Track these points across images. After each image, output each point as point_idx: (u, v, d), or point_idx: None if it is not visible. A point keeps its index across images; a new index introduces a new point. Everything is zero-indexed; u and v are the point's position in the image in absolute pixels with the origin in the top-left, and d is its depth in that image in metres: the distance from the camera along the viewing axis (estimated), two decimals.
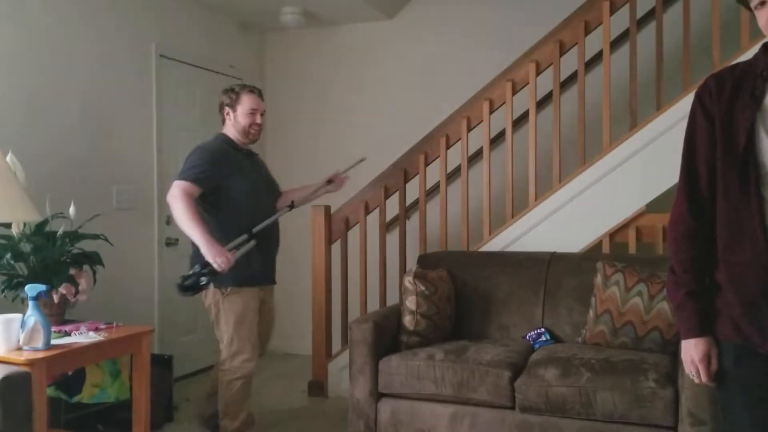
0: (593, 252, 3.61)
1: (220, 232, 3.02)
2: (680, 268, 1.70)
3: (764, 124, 1.59)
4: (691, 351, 1.67)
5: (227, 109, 3.19)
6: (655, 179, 3.51)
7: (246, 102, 3.16)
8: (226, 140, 3.20)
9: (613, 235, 3.62)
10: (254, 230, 3.10)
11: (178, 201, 2.98)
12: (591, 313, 3.14)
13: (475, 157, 4.34)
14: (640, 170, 3.54)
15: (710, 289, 1.69)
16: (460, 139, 3.92)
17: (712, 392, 1.79)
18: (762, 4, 1.58)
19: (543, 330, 3.28)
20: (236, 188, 3.13)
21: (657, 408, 2.60)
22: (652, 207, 3.58)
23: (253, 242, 3.06)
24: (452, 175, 4.30)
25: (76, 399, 3.10)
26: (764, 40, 1.66)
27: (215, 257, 2.89)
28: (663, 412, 2.59)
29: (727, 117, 1.63)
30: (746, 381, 1.63)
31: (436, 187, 4.33)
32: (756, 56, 1.67)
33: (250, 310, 3.12)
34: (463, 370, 2.92)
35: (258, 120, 3.19)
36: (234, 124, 3.18)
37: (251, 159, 3.29)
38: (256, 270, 3.14)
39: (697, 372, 1.68)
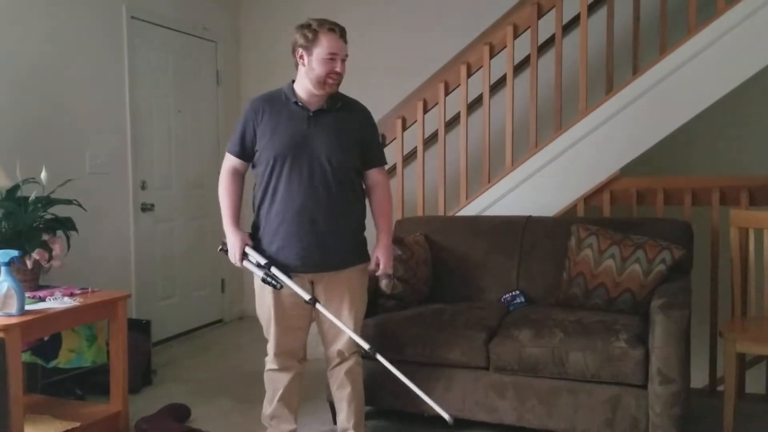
0: (568, 215, 3.65)
1: (265, 222, 2.64)
2: None
3: None
4: None
5: (301, 51, 2.55)
6: (630, 143, 3.54)
7: (325, 44, 2.51)
8: (284, 90, 2.64)
9: (587, 198, 3.66)
10: (270, 267, 2.54)
11: (220, 175, 2.70)
12: (565, 275, 3.19)
13: (452, 122, 4.33)
14: (615, 134, 3.56)
15: None
16: (437, 103, 3.91)
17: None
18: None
19: (518, 292, 3.32)
20: (260, 158, 2.62)
21: (627, 367, 2.66)
22: (627, 171, 3.61)
23: (264, 272, 2.53)
24: (429, 140, 4.29)
25: (52, 364, 3.10)
26: None
27: (230, 249, 2.62)
28: (633, 371, 2.65)
29: None
30: None
31: (413, 153, 4.33)
32: None
33: (266, 294, 2.65)
34: (439, 331, 2.96)
35: (339, 68, 2.54)
36: (308, 72, 2.54)
37: (317, 119, 2.59)
38: (274, 252, 2.59)
39: None
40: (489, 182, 3.82)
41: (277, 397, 2.75)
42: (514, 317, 3.05)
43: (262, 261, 2.56)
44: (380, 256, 2.71)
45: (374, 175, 2.74)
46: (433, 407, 2.39)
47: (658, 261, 2.99)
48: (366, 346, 2.52)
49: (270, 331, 2.69)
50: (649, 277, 2.99)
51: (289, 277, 2.55)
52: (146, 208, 4.43)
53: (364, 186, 2.76)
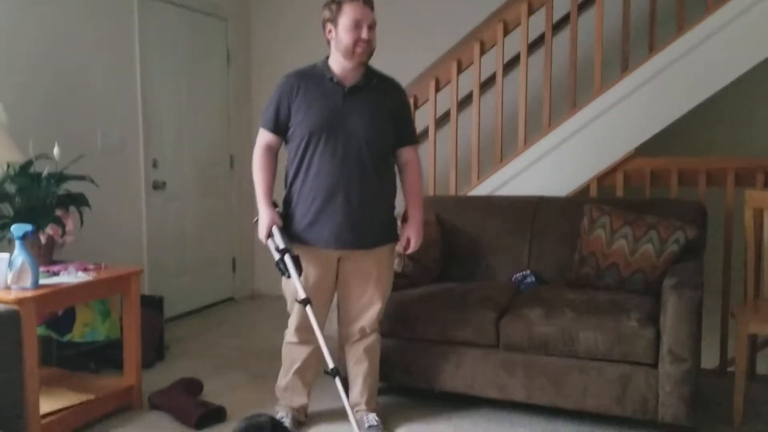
0: (581, 196, 3.62)
1: (297, 198, 2.65)
2: None
3: None
4: None
5: (329, 26, 2.59)
6: (645, 123, 3.51)
7: (348, 12, 2.53)
8: (319, 66, 2.66)
9: (601, 178, 3.63)
10: (288, 250, 2.57)
11: (254, 151, 2.69)
12: (576, 255, 3.18)
13: (465, 101, 4.30)
14: (630, 114, 3.53)
15: None
16: (450, 81, 3.88)
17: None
18: None
19: (529, 272, 3.32)
20: (294, 133, 2.62)
21: (638, 346, 2.65)
22: (641, 150, 3.58)
23: (279, 258, 2.57)
24: (442, 119, 4.27)
25: (67, 338, 3.14)
26: None
27: (260, 226, 2.63)
28: (644, 350, 2.65)
29: None
30: None
31: (425, 132, 4.30)
32: None
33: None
34: (450, 310, 2.97)
35: (364, 34, 2.53)
36: (337, 44, 2.57)
37: (352, 95, 2.60)
38: (306, 227, 2.64)
39: None
40: (501, 162, 3.81)
41: (293, 370, 2.80)
42: (525, 296, 3.05)
43: (281, 245, 2.57)
44: (411, 235, 2.73)
45: (406, 153, 2.75)
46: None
47: (671, 241, 2.97)
48: (331, 364, 2.57)
49: (294, 306, 2.72)
50: (661, 257, 2.97)
51: (298, 269, 2.56)
52: (158, 185, 4.45)
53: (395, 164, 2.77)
